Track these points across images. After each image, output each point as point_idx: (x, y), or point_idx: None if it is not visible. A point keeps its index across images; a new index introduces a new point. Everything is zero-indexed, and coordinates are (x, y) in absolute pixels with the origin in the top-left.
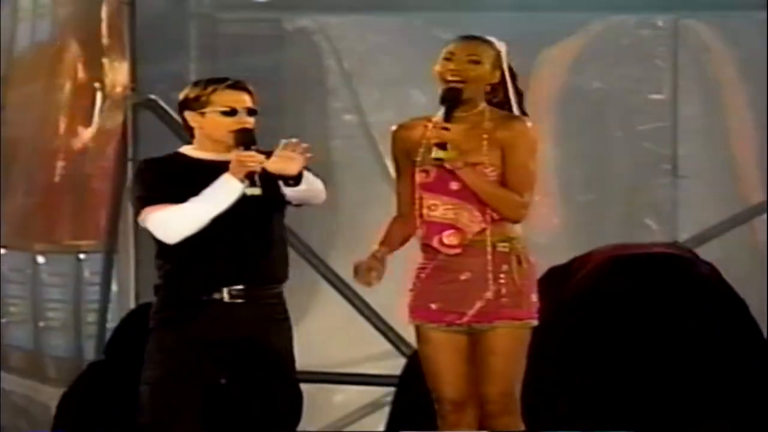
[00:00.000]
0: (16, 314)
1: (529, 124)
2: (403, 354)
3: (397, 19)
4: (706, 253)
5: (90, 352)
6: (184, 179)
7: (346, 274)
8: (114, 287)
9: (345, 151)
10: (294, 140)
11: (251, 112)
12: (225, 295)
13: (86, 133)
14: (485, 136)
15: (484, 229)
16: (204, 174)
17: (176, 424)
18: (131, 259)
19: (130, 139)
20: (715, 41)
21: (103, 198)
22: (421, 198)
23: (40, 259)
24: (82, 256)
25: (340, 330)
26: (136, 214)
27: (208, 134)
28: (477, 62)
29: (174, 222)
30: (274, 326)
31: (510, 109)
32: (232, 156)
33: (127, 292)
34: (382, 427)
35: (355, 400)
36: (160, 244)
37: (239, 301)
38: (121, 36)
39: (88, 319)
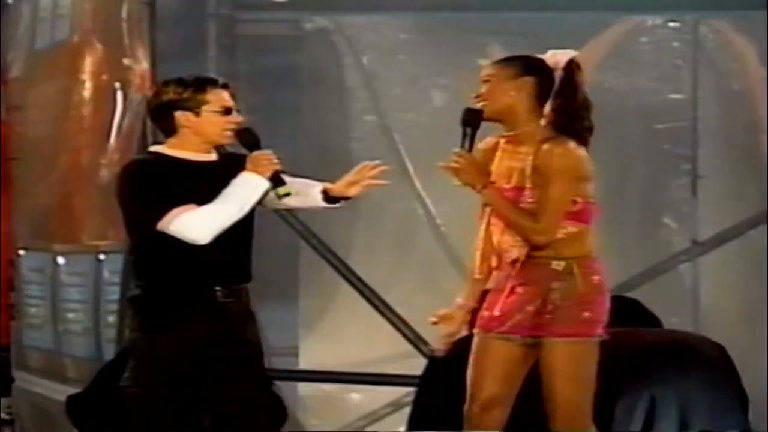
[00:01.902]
0: (36, 315)
1: (567, 145)
2: (423, 354)
3: (416, 18)
4: (724, 254)
5: (109, 353)
6: (181, 181)
7: (366, 274)
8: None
9: (364, 151)
10: (367, 164)
11: (239, 110)
12: (218, 293)
13: (106, 133)
14: (529, 158)
15: (537, 248)
16: (197, 175)
17: (164, 427)
18: None
19: (150, 139)
20: (735, 41)
21: None
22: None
23: (60, 260)
24: (101, 256)
25: (360, 330)
26: (151, 218)
27: (201, 133)
28: (487, 81)
29: (204, 223)
30: (253, 324)
31: (570, 125)
32: (251, 155)
33: None
34: (402, 428)
35: (375, 401)
36: (145, 247)
37: (228, 300)
38: (141, 36)
39: (108, 320)
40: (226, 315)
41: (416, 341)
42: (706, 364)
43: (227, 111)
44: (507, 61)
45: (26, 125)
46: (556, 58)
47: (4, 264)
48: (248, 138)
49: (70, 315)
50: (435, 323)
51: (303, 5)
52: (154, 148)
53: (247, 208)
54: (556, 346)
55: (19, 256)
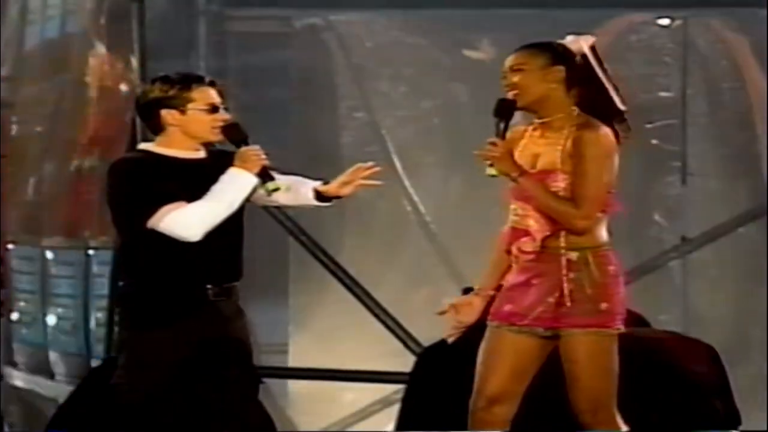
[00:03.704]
0: (25, 309)
1: (600, 131)
2: (412, 351)
3: (407, 16)
4: (714, 251)
5: (98, 348)
6: (170, 178)
7: (356, 271)
8: None
9: (354, 148)
10: (361, 166)
11: (226, 108)
12: (210, 292)
13: (95, 130)
14: (561, 142)
15: (554, 235)
16: (186, 172)
17: (154, 426)
18: None
19: (139, 136)
20: (725, 38)
21: None
22: (509, 203)
23: (49, 254)
24: (90, 251)
25: (350, 327)
26: (140, 216)
27: (187, 131)
28: (519, 70)
29: (194, 220)
30: (243, 322)
31: (600, 109)
32: (239, 151)
33: None
34: (391, 425)
35: (365, 398)
36: (136, 245)
37: (219, 299)
38: (130, 33)
39: (97, 315)
40: (217, 313)
41: (406, 338)
42: (697, 367)
43: (213, 109)
44: (537, 49)
45: (16, 123)
46: (579, 43)
47: None
48: (235, 134)
49: (59, 310)
50: (442, 313)
51: (293, 2)
52: (142, 146)
53: (236, 205)
54: (577, 337)
55: (7, 250)
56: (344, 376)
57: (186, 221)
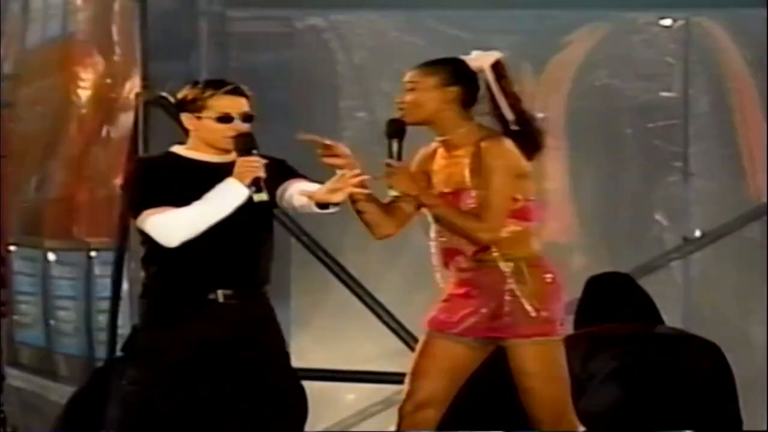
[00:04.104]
0: (27, 311)
1: (502, 143)
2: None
3: (408, 16)
4: (715, 251)
5: (100, 350)
6: (181, 180)
7: (358, 272)
8: (125, 285)
9: (355, 149)
10: (348, 173)
11: (247, 117)
12: (219, 296)
13: (97, 130)
14: (466, 160)
15: (488, 248)
16: (201, 175)
17: (163, 426)
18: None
19: (141, 137)
20: (727, 39)
21: (114, 195)
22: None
23: (51, 256)
24: (92, 253)
25: (352, 328)
26: (133, 215)
27: (202, 138)
28: (412, 89)
29: (176, 226)
30: (265, 325)
31: (517, 130)
32: (237, 160)
33: (137, 290)
34: (393, 426)
35: (367, 398)
36: (150, 245)
37: (232, 302)
38: (132, 33)
39: (99, 317)
40: (228, 317)
41: (408, 339)
42: (700, 364)
43: (225, 118)
44: (432, 67)
45: (17, 122)
46: (480, 61)
47: None
48: (242, 143)
49: (61, 312)
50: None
51: (294, 3)
52: (173, 148)
53: (222, 214)
54: (524, 347)
55: (9, 252)
56: (346, 376)
57: (165, 226)
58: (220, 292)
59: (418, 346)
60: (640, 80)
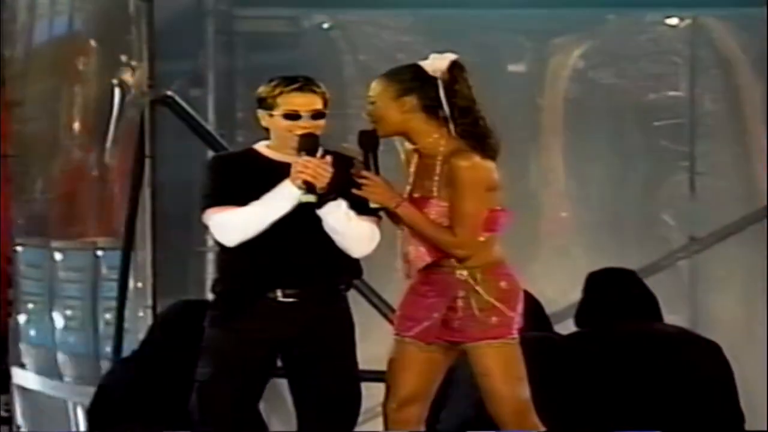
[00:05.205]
0: (33, 310)
1: (470, 157)
2: None
3: (415, 15)
4: (722, 251)
5: (106, 349)
6: (255, 179)
7: (365, 272)
8: (131, 284)
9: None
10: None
11: (317, 115)
12: (279, 294)
13: (104, 130)
14: (437, 170)
15: (442, 257)
16: (274, 174)
17: (224, 422)
18: (149, 256)
19: (148, 136)
20: (733, 38)
21: (121, 194)
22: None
23: (58, 256)
24: (99, 252)
25: (357, 327)
26: (201, 212)
27: (277, 136)
28: (372, 103)
29: (232, 226)
30: (329, 325)
31: (473, 132)
32: (293, 161)
33: (144, 290)
34: None
35: (372, 397)
36: (219, 242)
37: (292, 300)
38: (139, 32)
39: (105, 317)
40: (288, 315)
41: None
42: (700, 363)
43: (293, 116)
44: (387, 80)
45: (24, 121)
46: (435, 65)
47: (2, 260)
48: (302, 144)
49: (68, 311)
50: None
51: (301, 2)
52: (256, 144)
53: (275, 215)
54: (479, 349)
55: (16, 252)
56: None
57: (224, 225)
58: (279, 291)
59: (392, 346)
60: (646, 79)
